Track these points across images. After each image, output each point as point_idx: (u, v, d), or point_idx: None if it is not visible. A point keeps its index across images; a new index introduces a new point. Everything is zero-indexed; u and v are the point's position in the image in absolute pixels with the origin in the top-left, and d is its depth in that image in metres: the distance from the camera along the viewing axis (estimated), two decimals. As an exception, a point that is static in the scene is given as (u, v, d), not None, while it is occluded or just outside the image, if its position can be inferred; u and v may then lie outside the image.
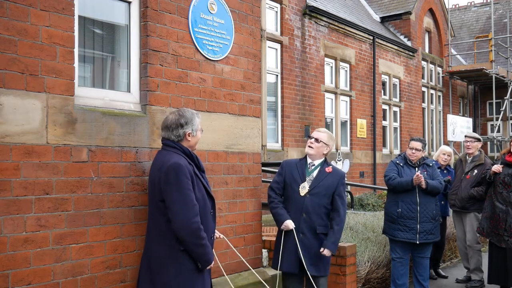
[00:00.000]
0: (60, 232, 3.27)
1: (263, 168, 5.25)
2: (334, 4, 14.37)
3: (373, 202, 10.66)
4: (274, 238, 5.29)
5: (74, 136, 3.36)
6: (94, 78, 4.04)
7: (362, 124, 14.32)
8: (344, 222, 4.57)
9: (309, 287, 4.41)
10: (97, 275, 3.47)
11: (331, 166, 4.60)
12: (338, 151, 13.30)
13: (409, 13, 16.82)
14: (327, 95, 13.11)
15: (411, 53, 16.76)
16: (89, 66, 3.98)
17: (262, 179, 5.17)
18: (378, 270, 6.11)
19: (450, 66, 19.18)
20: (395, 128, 16.35)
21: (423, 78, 17.96)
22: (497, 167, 5.98)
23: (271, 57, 11.42)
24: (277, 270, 4.44)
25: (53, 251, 3.23)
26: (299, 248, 4.28)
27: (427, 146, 16.56)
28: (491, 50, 18.97)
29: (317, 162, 4.53)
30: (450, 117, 13.84)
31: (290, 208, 4.42)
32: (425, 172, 5.82)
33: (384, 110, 15.77)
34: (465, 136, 7.13)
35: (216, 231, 3.67)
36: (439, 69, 19.31)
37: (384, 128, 15.73)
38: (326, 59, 13.12)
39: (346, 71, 13.99)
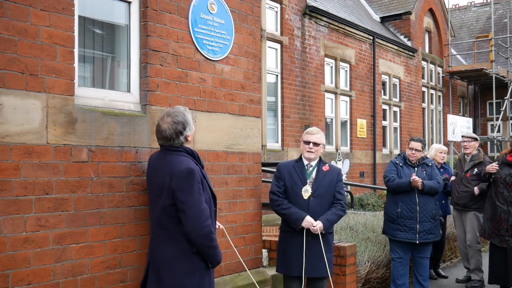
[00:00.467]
0: (60, 232, 3.27)
1: (263, 168, 5.25)
2: (334, 4, 14.37)
3: (373, 202, 10.67)
4: (274, 238, 5.29)
5: (74, 136, 3.36)
6: (94, 78, 4.04)
7: (362, 124, 14.32)
8: (343, 214, 4.51)
9: None
10: (97, 275, 3.47)
11: (327, 164, 4.54)
12: (338, 151, 13.31)
13: (409, 13, 16.82)
14: (327, 95, 13.11)
15: (411, 53, 16.76)
16: (89, 66, 3.98)
17: (262, 179, 5.16)
18: (378, 270, 6.11)
19: (450, 66, 19.18)
20: (395, 128, 16.35)
21: (423, 78, 17.97)
22: (492, 167, 5.97)
23: (271, 57, 11.42)
24: (284, 274, 4.39)
25: (53, 251, 3.23)
26: (307, 251, 4.26)
27: (426, 146, 16.59)
28: (491, 50, 18.98)
29: (313, 162, 4.50)
30: (450, 117, 13.81)
31: None
32: (424, 172, 5.82)
33: (384, 110, 15.77)
34: (462, 136, 7.18)
35: (216, 221, 3.70)
36: (439, 69, 19.31)
37: (384, 128, 15.74)
38: (326, 59, 13.12)
39: (346, 71, 14.00)
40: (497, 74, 18.61)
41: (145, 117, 3.84)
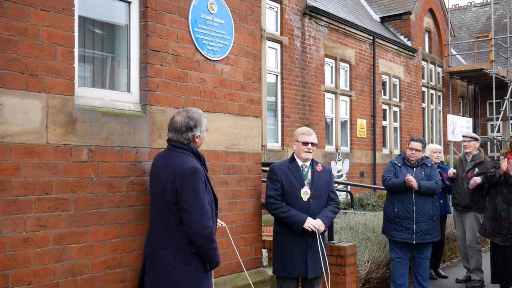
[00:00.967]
0: (60, 232, 3.27)
1: (263, 168, 5.24)
2: (334, 4, 14.37)
3: (373, 202, 10.67)
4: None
5: (74, 136, 3.36)
6: (94, 78, 4.04)
7: (362, 124, 14.32)
8: (338, 212, 4.57)
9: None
10: (97, 275, 3.47)
11: (320, 164, 4.53)
12: (338, 151, 13.31)
13: (409, 13, 16.82)
14: (327, 95, 13.12)
15: (411, 53, 16.76)
16: (89, 66, 3.98)
17: (262, 179, 5.16)
18: (378, 270, 6.11)
19: (450, 66, 19.18)
20: (395, 128, 16.35)
21: (423, 78, 17.97)
22: (506, 165, 5.82)
23: (271, 57, 11.43)
24: (284, 276, 4.34)
25: (53, 251, 3.23)
26: (309, 253, 4.26)
27: (426, 146, 16.58)
28: (491, 50, 18.98)
29: (308, 163, 4.46)
30: (450, 117, 13.81)
31: None
32: (423, 173, 5.82)
33: (384, 110, 15.78)
34: (463, 136, 7.19)
35: (218, 220, 3.71)
36: (439, 69, 19.31)
37: (384, 128, 15.74)
38: (326, 59, 13.12)
39: (346, 71, 14.00)
40: (497, 74, 18.61)
41: (145, 117, 3.84)
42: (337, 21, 13.27)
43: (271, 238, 5.39)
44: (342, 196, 12.09)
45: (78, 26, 3.55)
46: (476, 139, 6.93)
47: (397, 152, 15.84)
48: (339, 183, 12.30)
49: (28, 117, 3.13)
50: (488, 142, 20.68)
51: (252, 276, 4.64)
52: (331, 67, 13.47)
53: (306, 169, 4.43)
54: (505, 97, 18.93)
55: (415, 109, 17.17)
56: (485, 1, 25.69)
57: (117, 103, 3.75)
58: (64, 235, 3.29)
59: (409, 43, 16.73)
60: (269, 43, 11.23)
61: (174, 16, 4.07)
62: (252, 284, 4.20)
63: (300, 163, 4.44)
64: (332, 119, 13.49)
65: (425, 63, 18.15)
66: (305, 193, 4.33)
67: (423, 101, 18.05)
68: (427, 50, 18.48)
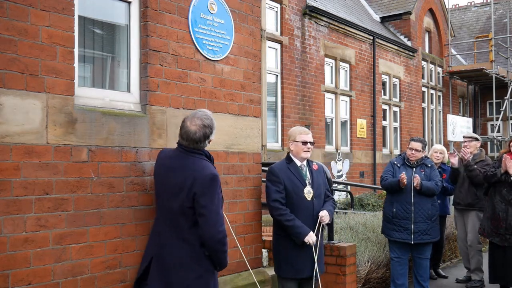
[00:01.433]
0: (60, 232, 3.27)
1: (263, 168, 5.24)
2: (334, 4, 14.38)
3: (373, 202, 10.67)
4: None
5: (74, 136, 3.36)
6: (94, 78, 4.04)
7: (362, 124, 14.32)
8: (335, 207, 4.63)
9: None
10: (97, 275, 3.47)
11: (315, 163, 4.54)
12: (338, 151, 13.31)
13: (409, 13, 16.82)
14: (327, 95, 13.12)
15: (411, 53, 16.76)
16: (89, 66, 3.98)
17: (262, 179, 5.16)
18: (378, 270, 6.11)
19: (450, 66, 19.19)
20: (395, 128, 16.36)
21: (423, 78, 17.97)
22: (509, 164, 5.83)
23: (271, 57, 11.43)
24: (292, 277, 4.32)
25: (53, 251, 3.23)
26: (315, 251, 4.28)
27: (427, 146, 16.59)
28: (491, 50, 18.99)
29: (305, 162, 4.46)
30: (450, 117, 13.82)
31: (299, 215, 4.27)
32: (423, 173, 5.82)
33: (384, 110, 15.78)
34: (463, 137, 7.23)
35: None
36: (439, 69, 19.31)
37: (384, 128, 15.74)
38: (326, 59, 13.12)
39: (346, 71, 14.00)
40: (497, 74, 18.61)
41: (145, 117, 3.84)
42: (337, 21, 13.27)
43: (271, 238, 5.38)
44: (342, 196, 12.10)
45: (78, 26, 3.55)
46: (476, 139, 6.95)
47: (397, 152, 15.85)
48: (339, 183, 12.31)
49: (28, 117, 3.13)
50: (488, 142, 20.68)
51: (252, 276, 4.64)
52: (331, 67, 13.47)
53: (305, 169, 4.43)
54: (505, 97, 18.93)
55: (415, 109, 17.18)
56: (485, 1, 25.69)
57: (117, 103, 3.75)
58: (64, 235, 3.29)
59: (409, 43, 16.74)
60: (269, 43, 11.23)
61: (174, 16, 4.07)
62: (257, 283, 4.20)
63: (298, 163, 4.42)
64: (332, 119, 13.49)
65: (425, 63, 18.16)
66: (309, 192, 4.33)
67: (423, 101, 18.05)
68: (427, 50, 18.48)
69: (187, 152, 3.41)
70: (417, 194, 5.70)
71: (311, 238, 4.20)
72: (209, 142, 3.48)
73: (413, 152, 5.85)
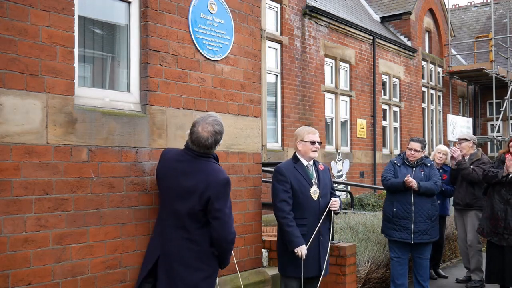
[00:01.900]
0: (60, 232, 3.27)
1: (263, 168, 5.24)
2: (334, 4, 14.37)
3: (373, 202, 10.67)
4: (274, 238, 5.29)
5: (74, 136, 3.36)
6: (94, 78, 4.04)
7: (362, 124, 14.32)
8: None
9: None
10: (97, 275, 3.47)
11: (320, 163, 4.57)
12: (338, 151, 13.31)
13: (409, 13, 16.82)
14: (327, 95, 13.12)
15: (411, 53, 16.76)
16: (89, 66, 3.98)
17: (262, 179, 5.16)
18: (378, 270, 6.11)
19: (450, 66, 19.18)
20: (395, 128, 16.35)
21: (423, 78, 17.97)
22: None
23: (271, 57, 11.42)
24: (296, 276, 4.31)
25: (53, 251, 3.23)
26: (321, 252, 4.32)
27: (427, 146, 16.59)
28: (491, 50, 18.98)
29: (311, 162, 4.47)
30: (450, 117, 13.85)
31: (306, 214, 4.28)
32: (422, 172, 5.82)
33: (384, 110, 15.77)
34: (457, 139, 7.29)
35: None
36: (439, 69, 19.31)
37: (384, 128, 15.74)
38: (326, 59, 13.12)
39: (346, 71, 14.00)
40: (497, 74, 18.61)
41: (145, 117, 3.84)
42: (337, 21, 13.27)
43: (271, 238, 5.39)
44: (342, 196, 12.09)
45: (78, 26, 3.55)
46: (466, 140, 6.95)
47: (397, 152, 15.84)
48: (339, 183, 12.30)
49: (28, 117, 3.13)
50: (488, 142, 20.68)
51: (252, 276, 4.65)
52: (331, 67, 13.47)
53: (311, 169, 4.44)
54: (505, 97, 18.93)
55: (415, 109, 17.17)
56: (485, 1, 25.68)
57: (117, 103, 3.75)
58: (64, 235, 3.29)
59: (409, 43, 16.73)
60: (269, 43, 11.23)
61: (174, 16, 4.07)
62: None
63: (305, 162, 4.43)
64: (332, 119, 13.49)
65: (425, 63, 18.15)
66: (315, 192, 4.34)
67: (423, 101, 18.05)
68: (427, 50, 18.48)
69: (197, 156, 3.43)
70: (417, 194, 5.70)
71: (301, 250, 4.19)
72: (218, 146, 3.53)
73: (412, 152, 5.85)
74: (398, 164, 5.91)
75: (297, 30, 12.00)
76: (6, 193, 3.02)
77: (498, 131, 19.11)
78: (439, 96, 19.36)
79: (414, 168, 5.84)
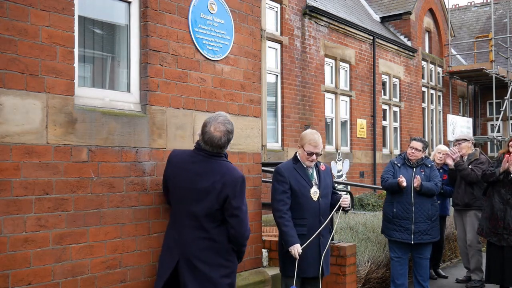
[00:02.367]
0: (60, 232, 3.27)
1: (263, 168, 5.24)
2: (334, 4, 14.37)
3: (373, 202, 10.69)
4: (274, 238, 5.29)
5: (74, 136, 3.36)
6: (94, 78, 4.04)
7: (362, 124, 14.32)
8: None
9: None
10: (97, 275, 3.47)
11: (322, 164, 4.54)
12: (338, 151, 13.31)
13: (409, 13, 16.82)
14: (327, 95, 13.12)
15: (411, 53, 16.76)
16: (89, 66, 3.98)
17: (262, 179, 5.16)
18: (378, 270, 6.11)
19: (450, 66, 19.18)
20: (395, 128, 16.35)
21: (423, 78, 17.97)
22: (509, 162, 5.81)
23: (271, 57, 11.42)
24: (294, 277, 4.26)
25: (53, 251, 3.23)
26: (321, 252, 4.29)
27: (427, 147, 16.58)
28: (491, 50, 18.98)
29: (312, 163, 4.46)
30: (450, 117, 13.86)
31: (306, 215, 4.26)
32: (423, 173, 5.82)
33: (384, 110, 15.77)
34: (455, 140, 7.30)
35: None
36: (439, 69, 19.31)
37: (384, 128, 15.74)
38: (326, 59, 13.12)
39: (346, 71, 14.00)
40: (497, 74, 18.61)
41: (145, 117, 3.84)
42: (337, 21, 13.27)
43: (271, 238, 5.39)
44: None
45: (78, 26, 3.55)
46: (465, 140, 6.97)
47: (397, 152, 15.84)
48: (339, 183, 12.29)
49: (28, 117, 3.13)
50: (488, 142, 20.68)
51: (252, 276, 4.65)
52: (331, 67, 13.47)
53: (311, 170, 4.41)
54: (505, 97, 18.93)
55: (415, 109, 17.17)
56: (485, 1, 25.69)
57: (117, 103, 3.75)
58: (64, 235, 3.29)
59: (409, 43, 16.74)
60: (269, 43, 11.23)
61: (174, 16, 4.07)
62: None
63: (304, 164, 4.40)
64: (332, 119, 13.49)
65: (425, 63, 18.15)
66: (315, 193, 4.31)
67: (423, 101, 18.05)
68: (427, 50, 18.48)
69: (210, 156, 3.43)
70: (417, 194, 5.70)
71: (294, 250, 4.14)
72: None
73: (413, 151, 5.85)
74: (399, 164, 5.91)
75: (297, 30, 12.00)
76: (6, 193, 3.02)
77: (498, 131, 19.11)
78: (439, 96, 19.36)
79: (414, 169, 5.84)
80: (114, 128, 3.61)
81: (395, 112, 16.29)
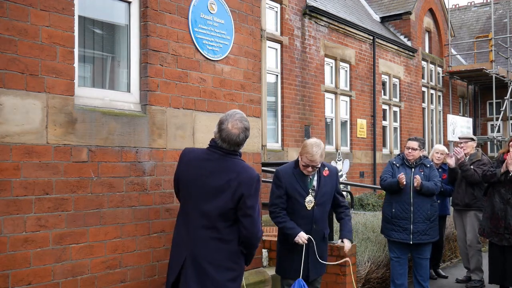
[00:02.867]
0: (60, 232, 3.27)
1: (263, 168, 5.24)
2: (334, 4, 14.37)
3: (373, 202, 10.69)
4: (274, 238, 5.29)
5: (74, 136, 3.36)
6: (94, 78, 4.04)
7: (362, 124, 14.32)
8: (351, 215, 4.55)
9: None
10: (97, 275, 3.47)
11: (326, 168, 4.38)
12: (338, 151, 13.31)
13: (409, 13, 16.82)
14: (327, 95, 13.12)
15: (411, 53, 16.76)
16: (89, 66, 3.99)
17: (262, 179, 5.16)
18: (378, 270, 6.11)
19: (450, 66, 19.18)
20: (395, 128, 16.36)
21: (423, 78, 17.97)
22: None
23: (271, 57, 11.42)
24: (283, 277, 4.33)
25: (53, 251, 3.23)
26: (310, 256, 4.23)
27: (427, 146, 16.60)
28: (491, 50, 18.98)
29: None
30: (450, 117, 13.84)
31: (298, 221, 4.22)
32: (422, 173, 5.81)
33: (384, 110, 15.78)
34: (459, 138, 7.27)
35: None
36: (439, 69, 19.31)
37: (384, 128, 15.74)
38: (326, 59, 13.12)
39: (346, 71, 14.00)
40: (497, 74, 18.61)
41: (145, 117, 3.84)
42: (337, 21, 13.27)
43: (271, 238, 5.39)
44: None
45: (78, 26, 3.55)
46: (472, 139, 6.98)
47: (397, 152, 15.84)
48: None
49: (28, 117, 3.13)
50: (488, 142, 20.68)
51: (252, 276, 4.65)
52: (331, 67, 13.47)
53: (311, 177, 4.29)
54: (505, 97, 18.93)
55: (415, 109, 17.18)
56: (485, 1, 25.69)
57: (117, 103, 3.75)
58: (64, 235, 3.29)
59: (409, 43, 16.74)
60: (269, 43, 11.23)
61: (174, 16, 4.07)
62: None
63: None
64: (332, 119, 13.49)
65: (425, 63, 18.15)
66: (309, 201, 4.23)
67: (423, 101, 18.05)
68: (427, 50, 18.48)
69: (226, 154, 3.35)
70: (416, 194, 5.70)
71: (300, 238, 4.14)
72: None
73: (410, 151, 5.84)
74: (397, 165, 5.90)
75: (297, 30, 12.00)
76: (6, 193, 3.02)
77: (498, 131, 19.11)
78: (439, 96, 19.36)
79: (413, 169, 5.84)
80: (114, 128, 3.61)
81: (395, 112, 16.30)
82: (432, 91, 18.85)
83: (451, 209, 7.35)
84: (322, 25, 12.87)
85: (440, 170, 6.99)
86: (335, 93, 13.46)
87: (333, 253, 5.13)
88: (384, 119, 15.77)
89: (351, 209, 9.48)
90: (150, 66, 3.89)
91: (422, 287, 5.87)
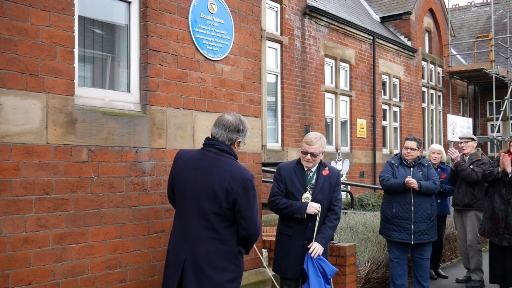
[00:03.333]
0: (60, 232, 3.27)
1: (263, 168, 5.24)
2: (334, 4, 14.37)
3: (373, 202, 10.68)
4: (274, 238, 5.29)
5: (74, 136, 3.36)
6: (94, 78, 4.04)
7: (362, 124, 14.32)
8: (337, 223, 4.42)
9: None
10: (97, 275, 3.47)
11: (327, 168, 4.39)
12: (338, 151, 13.31)
13: (409, 13, 16.82)
14: (327, 95, 13.12)
15: (411, 53, 16.76)
16: (89, 66, 3.99)
17: (262, 179, 5.16)
18: (378, 270, 6.11)
19: (450, 66, 19.18)
20: (395, 128, 16.36)
21: (423, 78, 17.97)
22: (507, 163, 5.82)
23: (271, 57, 11.42)
24: (280, 275, 4.35)
25: (53, 251, 3.23)
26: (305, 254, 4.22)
27: (427, 146, 16.60)
28: (491, 50, 18.98)
29: (314, 167, 4.36)
30: (450, 117, 13.84)
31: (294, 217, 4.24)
32: (420, 172, 5.81)
33: (384, 110, 15.77)
34: (459, 138, 7.28)
35: None
36: (439, 69, 19.31)
37: (384, 128, 15.74)
38: (326, 59, 13.12)
39: (346, 71, 14.00)
40: (497, 74, 18.61)
41: (145, 117, 3.84)
42: (337, 21, 13.27)
43: (271, 238, 5.39)
44: (342, 196, 12.08)
45: (78, 26, 3.55)
46: (473, 139, 6.99)
47: (397, 152, 15.81)
48: (339, 183, 12.30)
49: (28, 117, 3.13)
50: (488, 142, 20.68)
51: (252, 276, 4.65)
52: (331, 67, 13.47)
53: (311, 174, 4.32)
54: (505, 97, 18.93)
55: (415, 109, 17.18)
56: (485, 1, 25.69)
57: (117, 103, 3.75)
58: (64, 235, 3.29)
59: (409, 43, 16.74)
60: (269, 43, 11.23)
61: (174, 16, 4.07)
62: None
63: (305, 167, 4.35)
64: (332, 119, 13.49)
65: (425, 63, 18.15)
66: (306, 198, 4.24)
67: (423, 101, 18.05)
68: (427, 50, 18.48)
69: (218, 151, 3.33)
70: (416, 194, 5.70)
71: (312, 207, 4.16)
72: (236, 144, 3.41)
73: (408, 151, 5.84)
74: (396, 164, 5.90)
75: (297, 30, 12.00)
76: (6, 193, 3.02)
77: (498, 131, 19.11)
78: (439, 96, 19.36)
79: (412, 168, 5.84)
80: (114, 128, 3.61)
81: (395, 112, 16.30)
82: (432, 91, 18.85)
83: (452, 209, 7.35)
84: (322, 25, 12.87)
85: (438, 169, 6.99)
86: (335, 93, 13.46)
87: (333, 253, 5.13)
88: (384, 119, 15.77)
89: (351, 209, 9.49)
90: (150, 66, 3.89)
91: (422, 287, 5.87)
